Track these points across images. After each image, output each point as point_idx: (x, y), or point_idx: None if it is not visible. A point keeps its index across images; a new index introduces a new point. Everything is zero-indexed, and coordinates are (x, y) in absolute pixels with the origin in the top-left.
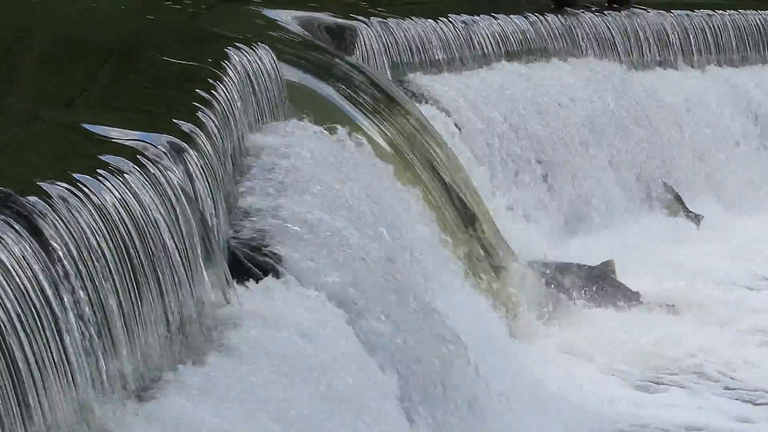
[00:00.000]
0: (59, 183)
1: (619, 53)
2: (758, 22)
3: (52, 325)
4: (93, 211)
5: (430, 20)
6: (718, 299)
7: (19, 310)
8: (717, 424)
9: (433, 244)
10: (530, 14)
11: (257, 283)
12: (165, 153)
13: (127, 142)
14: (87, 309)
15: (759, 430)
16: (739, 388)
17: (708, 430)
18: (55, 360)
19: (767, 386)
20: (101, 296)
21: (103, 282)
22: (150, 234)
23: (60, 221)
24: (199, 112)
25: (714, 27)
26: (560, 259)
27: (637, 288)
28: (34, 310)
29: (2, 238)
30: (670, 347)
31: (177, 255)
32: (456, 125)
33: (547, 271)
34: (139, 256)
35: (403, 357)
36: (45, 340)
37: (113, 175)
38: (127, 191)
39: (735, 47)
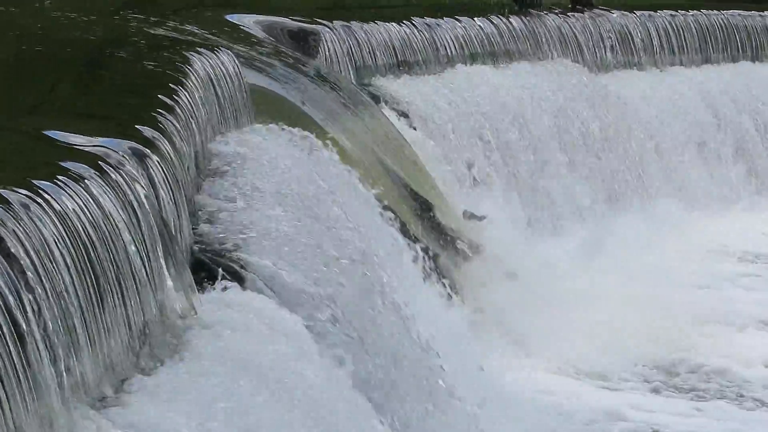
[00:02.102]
0: (20, 190)
1: (582, 54)
2: (721, 22)
3: (14, 333)
4: (54, 218)
5: (393, 23)
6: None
7: None
8: None
9: (396, 245)
10: (493, 16)
11: (221, 287)
12: (127, 159)
13: (88, 149)
14: (49, 316)
15: None
16: None
17: None
18: (18, 367)
19: None
20: (63, 303)
21: (65, 289)
22: (112, 240)
23: (21, 228)
24: (162, 118)
25: (677, 27)
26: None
27: None
28: None
29: None
30: None
31: (139, 261)
32: (419, 128)
33: None
34: (100, 262)
35: (370, 361)
36: (7, 348)
37: (74, 181)
38: (89, 198)
39: (698, 47)
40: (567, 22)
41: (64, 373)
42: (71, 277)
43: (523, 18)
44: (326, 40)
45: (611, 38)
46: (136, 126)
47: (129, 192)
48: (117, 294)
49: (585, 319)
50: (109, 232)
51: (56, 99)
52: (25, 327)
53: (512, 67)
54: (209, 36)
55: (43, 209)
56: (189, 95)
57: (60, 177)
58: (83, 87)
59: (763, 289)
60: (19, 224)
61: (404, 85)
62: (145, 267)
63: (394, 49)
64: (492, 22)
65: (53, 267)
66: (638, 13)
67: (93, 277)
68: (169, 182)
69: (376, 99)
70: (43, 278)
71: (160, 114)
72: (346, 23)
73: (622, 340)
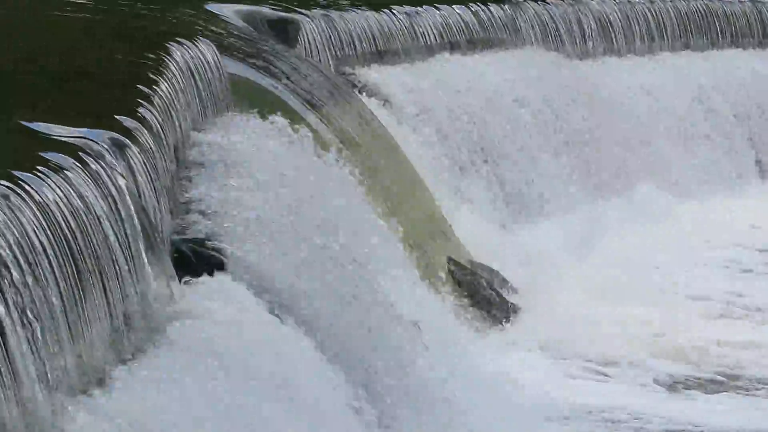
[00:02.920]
0: (0, 181)
1: (563, 42)
2: (700, 8)
3: None
4: (35, 209)
5: (372, 12)
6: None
7: None
8: None
9: (378, 234)
10: (473, 4)
11: (201, 277)
12: (107, 149)
13: (68, 140)
14: (30, 306)
15: None
16: None
17: None
18: None
19: None
20: (44, 294)
21: (46, 279)
22: (92, 230)
23: (1, 219)
24: (141, 108)
25: (656, 13)
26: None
27: None
28: None
29: None
30: None
31: (120, 251)
32: (398, 116)
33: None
34: (81, 252)
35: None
36: None
37: (55, 172)
38: (69, 188)
39: (678, 34)
40: (547, 10)
41: (46, 363)
42: (52, 268)
43: (502, 6)
44: (305, 29)
45: (591, 25)
46: (116, 117)
47: (109, 182)
48: (98, 284)
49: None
50: (89, 223)
51: (36, 91)
52: (6, 317)
53: (492, 54)
54: (189, 26)
55: (24, 200)
56: (169, 86)
57: (40, 168)
58: (63, 79)
59: None
60: (1, 214)
61: (384, 74)
62: (125, 257)
63: (373, 37)
64: (471, 10)
65: (34, 257)
66: None
67: (74, 267)
68: (149, 172)
69: (355, 88)
70: (24, 269)
71: (140, 105)
72: (325, 12)
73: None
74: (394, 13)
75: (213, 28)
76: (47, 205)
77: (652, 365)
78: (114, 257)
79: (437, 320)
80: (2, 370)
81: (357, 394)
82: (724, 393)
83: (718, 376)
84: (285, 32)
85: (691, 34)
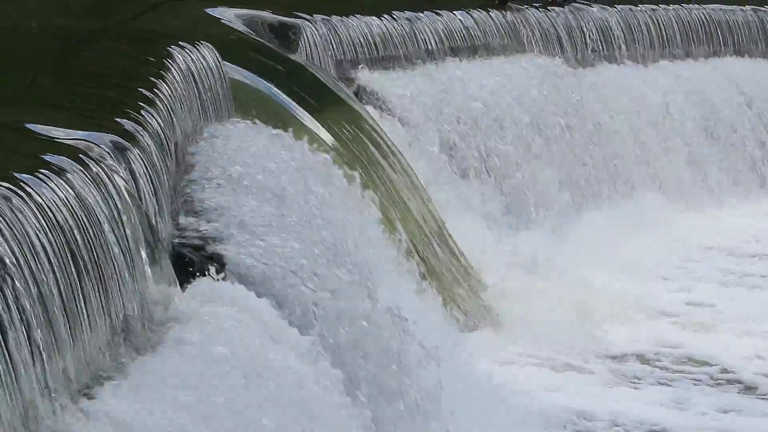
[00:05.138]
0: (1, 183)
1: (563, 49)
2: (702, 16)
3: None
4: (36, 211)
5: (373, 17)
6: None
7: None
8: None
9: (379, 241)
10: (474, 10)
11: (201, 280)
12: (108, 152)
13: (69, 142)
14: (30, 309)
15: None
16: None
17: None
18: None
19: None
20: (44, 296)
21: (46, 281)
22: (93, 233)
23: (2, 221)
24: (143, 111)
25: (658, 22)
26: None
27: None
28: None
29: None
30: None
31: (120, 254)
32: (400, 122)
33: None
34: (82, 255)
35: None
36: None
37: (56, 174)
38: (70, 190)
39: (680, 42)
40: (548, 17)
41: (46, 366)
42: (53, 270)
43: (503, 12)
44: (306, 34)
45: (592, 33)
46: (117, 119)
47: (110, 185)
48: (98, 287)
49: None
50: (90, 225)
51: (37, 92)
52: (6, 319)
53: (492, 61)
54: (190, 30)
55: (25, 202)
56: (170, 89)
57: (42, 170)
58: (64, 80)
59: None
60: (1, 217)
61: (385, 79)
62: (126, 260)
63: (374, 43)
64: (472, 17)
65: (34, 260)
66: (619, 6)
67: (74, 269)
68: (149, 175)
69: (356, 93)
70: (24, 271)
71: (142, 107)
72: (326, 17)
73: None
74: (395, 19)
75: (214, 32)
76: (48, 207)
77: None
78: (114, 260)
79: (434, 326)
80: (2, 371)
81: (358, 396)
82: None
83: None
84: (286, 37)
85: (692, 42)
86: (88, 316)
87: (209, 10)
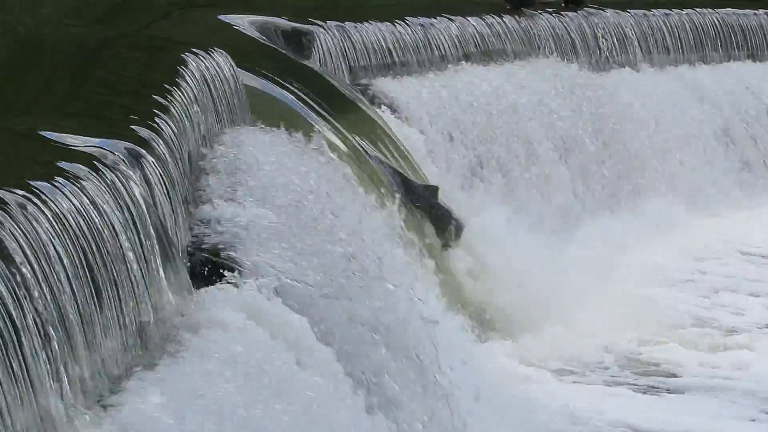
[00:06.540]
0: (16, 190)
1: (577, 54)
2: (716, 20)
3: (11, 332)
4: (51, 218)
5: (387, 23)
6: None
7: None
8: None
9: (393, 242)
10: (487, 16)
11: (216, 287)
12: (122, 159)
13: (84, 149)
14: (46, 316)
15: None
16: None
17: None
18: (14, 367)
19: None
20: (60, 303)
21: (62, 289)
22: (108, 240)
23: (18, 229)
24: (157, 118)
25: (672, 26)
26: None
27: None
28: None
29: None
30: None
31: (135, 261)
32: (413, 127)
33: None
34: (97, 262)
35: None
36: (4, 348)
37: (70, 181)
38: (85, 198)
39: (693, 46)
40: (561, 21)
41: (62, 373)
42: (68, 278)
43: (517, 17)
44: (320, 40)
45: (606, 37)
46: (132, 126)
47: (125, 192)
48: (113, 294)
49: None
50: (105, 233)
51: (52, 99)
52: (22, 326)
53: (506, 66)
54: (204, 37)
55: (40, 209)
56: (184, 96)
57: (56, 177)
58: (77, 86)
59: None
60: (17, 225)
61: (398, 85)
62: (141, 267)
63: (388, 49)
64: (486, 22)
65: (50, 267)
66: (632, 11)
67: (89, 277)
68: (164, 182)
69: (370, 99)
70: (40, 278)
71: (156, 115)
72: (339, 23)
73: None
74: (408, 25)
75: (228, 38)
76: (63, 214)
77: None
78: (129, 267)
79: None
80: (18, 377)
81: (373, 404)
82: None
83: None
84: (300, 43)
85: (706, 46)
86: (103, 323)
87: (222, 17)
